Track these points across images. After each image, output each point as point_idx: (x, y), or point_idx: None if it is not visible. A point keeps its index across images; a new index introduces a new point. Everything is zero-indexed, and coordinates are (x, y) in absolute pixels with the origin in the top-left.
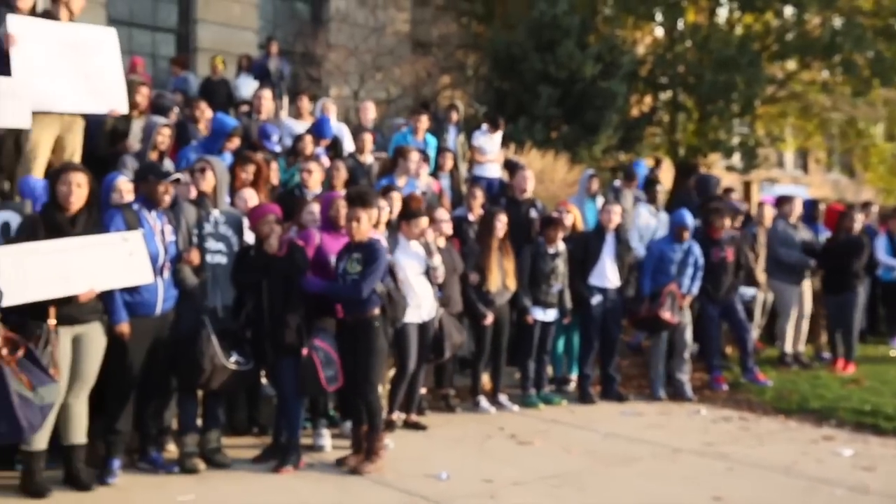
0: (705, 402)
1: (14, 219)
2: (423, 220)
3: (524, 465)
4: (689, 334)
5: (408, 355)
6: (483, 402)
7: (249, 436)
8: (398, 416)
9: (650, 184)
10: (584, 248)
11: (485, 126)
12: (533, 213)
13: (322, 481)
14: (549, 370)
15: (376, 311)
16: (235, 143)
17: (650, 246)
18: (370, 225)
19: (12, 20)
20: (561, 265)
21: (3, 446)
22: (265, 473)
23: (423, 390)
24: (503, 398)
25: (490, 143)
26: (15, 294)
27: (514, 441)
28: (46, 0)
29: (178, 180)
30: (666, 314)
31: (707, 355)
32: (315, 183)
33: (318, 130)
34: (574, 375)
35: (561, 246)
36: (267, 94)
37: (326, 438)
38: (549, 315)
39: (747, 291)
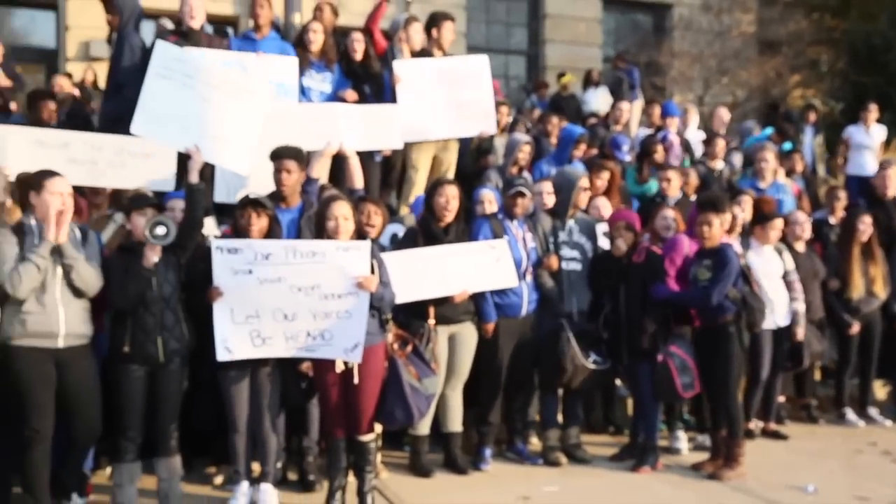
0: None
1: (400, 230)
2: (778, 223)
3: None
4: None
5: (761, 362)
6: (850, 414)
7: (605, 434)
8: (756, 424)
9: None
10: None
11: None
12: None
13: (681, 484)
14: None
15: (730, 317)
16: (583, 150)
17: None
18: (723, 230)
19: (397, 64)
20: None
21: (395, 430)
22: (623, 472)
23: (780, 399)
24: (873, 412)
25: (866, 137)
26: (402, 295)
27: (890, 458)
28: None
29: (522, 193)
30: None
31: None
32: (674, 189)
33: (665, 110)
34: None
35: None
36: (625, 105)
37: (683, 442)
38: None
39: None
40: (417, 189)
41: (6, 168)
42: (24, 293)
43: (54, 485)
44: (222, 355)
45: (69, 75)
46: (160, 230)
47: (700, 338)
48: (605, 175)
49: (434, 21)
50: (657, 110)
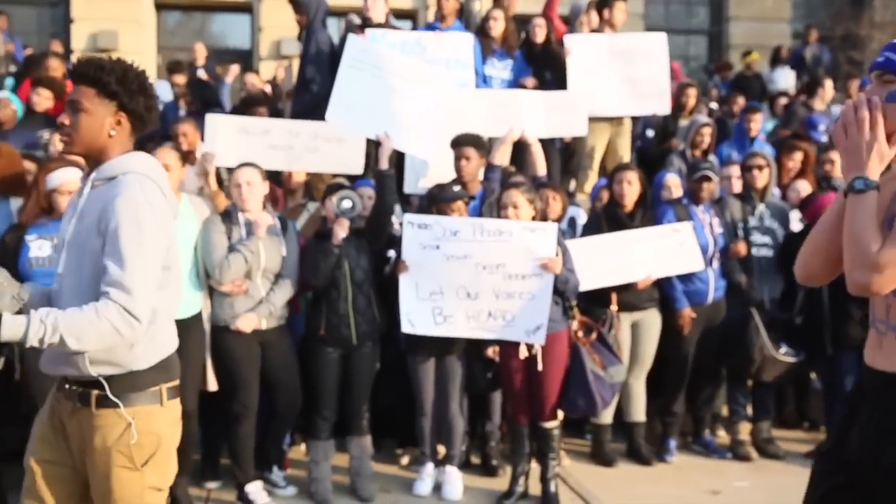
0: None
1: (578, 214)
2: None
3: None
4: None
5: None
6: None
7: (799, 429)
8: None
9: None
10: None
11: None
12: None
13: None
14: None
15: None
16: (758, 121)
17: None
18: None
19: (568, 38)
20: None
21: (577, 418)
22: None
23: None
24: None
25: None
26: (585, 281)
27: None
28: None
29: (708, 178)
30: None
31: None
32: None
33: (864, 85)
34: None
35: None
36: (829, 83)
37: None
38: None
39: None
40: (592, 175)
41: (211, 153)
42: (227, 281)
43: (257, 457)
44: (405, 327)
45: (257, 73)
46: (346, 203)
47: None
48: (798, 156)
49: (606, 1)
50: (855, 85)
